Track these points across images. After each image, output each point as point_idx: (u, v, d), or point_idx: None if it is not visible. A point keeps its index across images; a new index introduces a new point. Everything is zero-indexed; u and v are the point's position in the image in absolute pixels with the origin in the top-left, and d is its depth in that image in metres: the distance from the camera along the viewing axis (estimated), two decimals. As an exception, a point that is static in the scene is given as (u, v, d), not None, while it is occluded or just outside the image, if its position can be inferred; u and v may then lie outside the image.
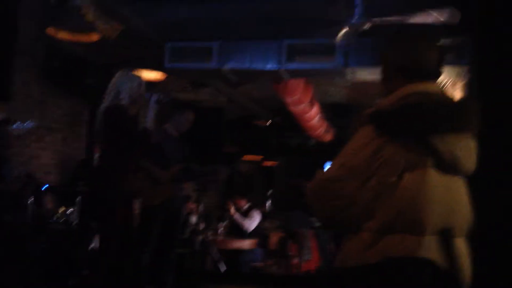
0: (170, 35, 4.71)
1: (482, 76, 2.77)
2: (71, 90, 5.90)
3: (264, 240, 6.66)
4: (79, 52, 5.30)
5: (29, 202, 4.54)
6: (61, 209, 4.99)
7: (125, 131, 3.49)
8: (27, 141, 5.41)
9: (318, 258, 7.26)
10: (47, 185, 5.27)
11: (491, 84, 2.75)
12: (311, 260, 6.97)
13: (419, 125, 1.51)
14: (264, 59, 4.57)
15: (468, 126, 1.58)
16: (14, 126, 4.35)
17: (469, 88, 2.99)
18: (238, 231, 6.45)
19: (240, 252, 6.15)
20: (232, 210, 6.58)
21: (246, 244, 6.09)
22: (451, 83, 4.87)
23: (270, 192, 9.36)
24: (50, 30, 3.91)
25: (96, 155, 3.83)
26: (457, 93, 4.78)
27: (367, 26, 3.51)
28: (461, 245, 1.58)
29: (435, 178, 1.52)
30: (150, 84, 5.51)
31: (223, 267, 4.99)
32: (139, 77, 3.67)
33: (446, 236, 1.53)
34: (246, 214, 6.65)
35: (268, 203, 9.03)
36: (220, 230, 6.38)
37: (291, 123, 7.96)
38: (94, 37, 3.98)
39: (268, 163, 11.26)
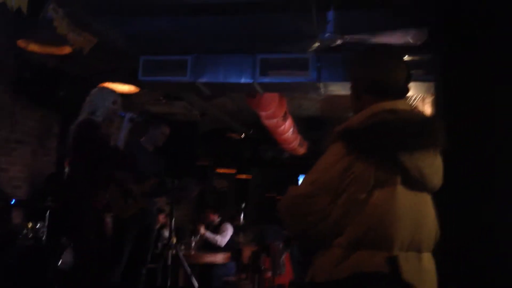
0: (144, 48, 4.70)
1: (447, 93, 2.84)
2: (42, 103, 5.81)
3: (237, 254, 6.64)
4: (51, 64, 5.23)
5: (-4, 217, 4.43)
6: (30, 224, 4.88)
7: (97, 147, 3.46)
8: (-4, 154, 5.29)
9: (291, 272, 7.26)
10: (15, 200, 5.16)
11: (456, 101, 2.82)
12: (284, 274, 6.97)
13: (388, 142, 1.53)
14: (238, 73, 4.59)
15: (434, 143, 1.61)
16: None
17: (436, 104, 3.06)
18: (211, 246, 6.42)
19: (213, 266, 6.11)
20: (202, 230, 6.55)
21: (219, 258, 6.06)
22: (420, 99, 4.98)
23: (243, 205, 9.34)
24: (21, 42, 3.85)
25: (67, 169, 3.78)
26: (426, 109, 4.89)
27: (338, 42, 3.57)
28: (428, 260, 1.61)
29: (403, 194, 1.55)
30: (123, 96, 5.48)
31: (195, 282, 4.94)
32: (114, 94, 3.68)
33: (413, 252, 1.55)
34: (217, 228, 6.63)
35: (242, 217, 9.00)
36: (193, 244, 6.33)
37: (265, 136, 8.00)
38: (66, 49, 3.93)
39: (242, 176, 11.25)
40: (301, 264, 7.24)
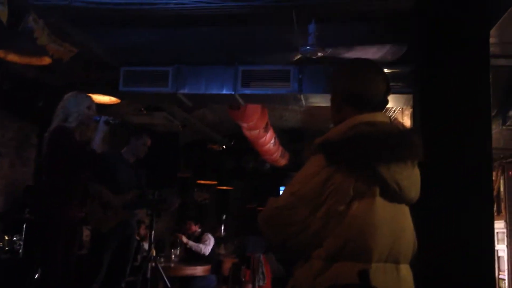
0: (125, 59, 4.68)
1: (425, 105, 2.89)
2: (20, 113, 5.73)
3: (217, 266, 6.59)
4: (31, 75, 5.17)
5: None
6: (6, 237, 4.79)
7: (71, 154, 3.38)
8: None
9: (271, 283, 7.24)
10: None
11: (434, 113, 2.87)
12: (264, 286, 6.94)
13: (366, 154, 1.55)
14: (220, 84, 4.60)
15: (412, 155, 1.63)
16: None
17: (414, 117, 3.11)
18: (194, 257, 6.36)
19: (193, 278, 6.06)
20: (184, 239, 6.50)
21: (199, 270, 6.00)
22: (400, 111, 5.05)
23: (224, 217, 9.31)
24: (0, 53, 3.81)
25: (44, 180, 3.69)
26: (405, 121, 4.96)
27: (319, 54, 3.60)
28: (406, 271, 1.62)
29: (382, 206, 1.56)
30: (104, 107, 5.44)
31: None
32: (88, 99, 3.58)
33: (392, 263, 1.57)
34: (198, 239, 6.59)
35: (222, 228, 8.97)
36: (173, 256, 6.27)
37: (246, 148, 8.00)
38: (46, 60, 3.90)
39: (223, 188, 11.22)
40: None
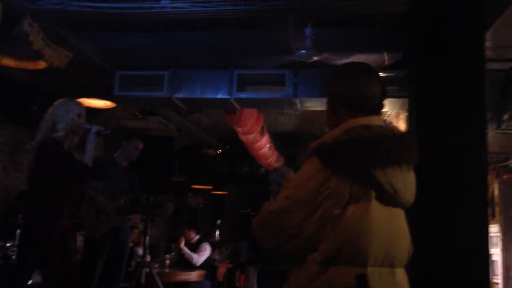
0: (121, 63, 4.67)
1: (420, 109, 2.90)
2: (13, 118, 5.70)
3: (212, 272, 6.56)
4: (25, 79, 5.15)
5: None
6: (0, 243, 4.75)
7: (60, 166, 3.29)
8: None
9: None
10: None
11: (429, 117, 2.88)
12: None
13: (362, 158, 1.54)
14: (215, 88, 4.60)
15: (407, 159, 1.63)
16: None
17: (410, 120, 3.11)
18: (187, 263, 6.33)
19: (187, 284, 6.03)
20: (182, 244, 6.46)
21: (193, 276, 5.98)
22: (395, 115, 5.06)
23: (219, 222, 9.29)
24: (-6, 57, 3.79)
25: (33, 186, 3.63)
26: (400, 125, 4.96)
27: (315, 58, 3.61)
28: (402, 276, 1.62)
29: (377, 210, 1.56)
30: (99, 111, 5.43)
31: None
32: (78, 107, 3.47)
33: (387, 267, 1.56)
34: (196, 247, 6.53)
35: (217, 233, 8.94)
36: (167, 262, 6.23)
37: (241, 152, 8.00)
38: (41, 64, 3.87)
39: (218, 192, 11.21)
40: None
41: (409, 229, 1.67)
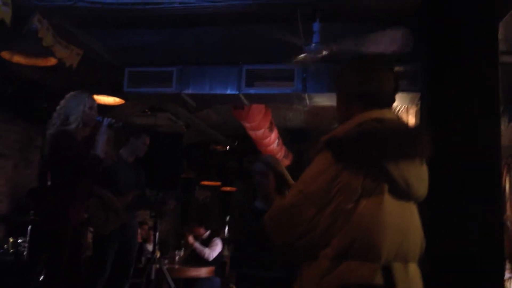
0: (130, 60, 4.68)
1: (432, 103, 2.87)
2: (24, 115, 5.74)
3: (221, 268, 6.56)
4: (35, 77, 5.17)
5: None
6: (11, 239, 4.79)
7: (72, 159, 3.34)
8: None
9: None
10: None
11: (441, 111, 2.85)
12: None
13: (374, 151, 1.53)
14: (224, 84, 4.59)
15: (420, 153, 1.61)
16: None
17: (421, 114, 3.09)
18: (198, 259, 6.33)
19: (197, 280, 6.03)
20: (191, 239, 6.46)
21: (203, 272, 5.98)
22: (405, 110, 5.03)
23: (228, 218, 9.29)
24: (5, 54, 3.80)
25: (49, 183, 3.69)
26: (410, 120, 4.93)
27: (324, 52, 3.58)
28: (414, 270, 1.60)
29: (390, 204, 1.54)
30: (108, 108, 5.44)
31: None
32: (89, 99, 3.53)
33: (400, 262, 1.54)
34: (207, 242, 6.53)
35: (226, 230, 8.94)
36: (177, 258, 6.25)
37: (250, 148, 7.98)
38: (52, 61, 3.88)
39: (227, 189, 11.21)
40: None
41: (422, 224, 1.66)
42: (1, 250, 4.73)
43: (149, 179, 4.83)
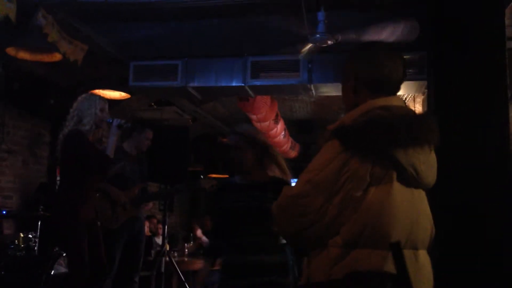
0: (135, 54, 4.68)
1: (439, 91, 2.85)
2: (32, 111, 5.77)
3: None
4: (41, 72, 5.19)
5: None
6: (22, 235, 4.82)
7: (85, 157, 3.43)
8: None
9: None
10: (6, 210, 5.10)
11: (448, 98, 2.83)
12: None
13: (382, 139, 1.52)
14: (229, 76, 4.59)
15: (428, 140, 1.60)
16: None
17: (428, 102, 3.07)
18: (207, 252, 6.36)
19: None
20: (199, 232, 6.48)
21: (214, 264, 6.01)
22: (412, 98, 5.00)
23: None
24: (11, 50, 3.81)
25: (58, 179, 3.75)
26: (417, 108, 4.91)
27: (330, 42, 3.56)
28: (424, 258, 1.60)
29: (399, 191, 1.54)
30: (114, 102, 5.45)
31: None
32: (101, 101, 3.64)
33: (410, 249, 1.54)
34: None
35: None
36: (186, 250, 6.28)
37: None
38: (57, 56, 3.90)
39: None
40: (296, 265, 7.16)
41: (432, 211, 1.65)
42: (12, 246, 4.76)
43: (156, 173, 4.84)
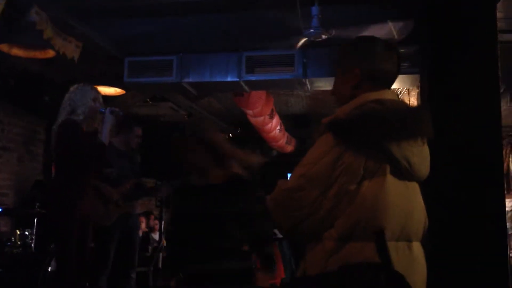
0: (130, 50, 4.67)
1: (433, 84, 2.87)
2: (26, 108, 5.75)
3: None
4: (35, 69, 5.17)
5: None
6: (18, 232, 4.82)
7: (80, 147, 3.37)
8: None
9: (283, 270, 7.24)
10: (3, 208, 5.10)
11: (441, 92, 2.85)
12: (276, 273, 6.95)
13: (375, 132, 1.53)
14: (224, 71, 4.58)
15: (422, 133, 1.62)
16: None
17: (422, 96, 3.08)
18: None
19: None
20: None
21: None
22: (406, 92, 5.02)
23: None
24: (4, 47, 3.80)
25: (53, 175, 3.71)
26: (412, 102, 4.92)
27: (324, 36, 3.57)
28: (418, 249, 1.61)
29: (393, 184, 1.55)
30: (109, 99, 5.45)
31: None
32: (94, 91, 3.57)
33: (404, 241, 1.56)
34: None
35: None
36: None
37: (252, 135, 7.99)
38: (50, 53, 3.88)
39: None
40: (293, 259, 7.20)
41: (425, 204, 1.67)
42: (9, 243, 4.77)
43: (151, 169, 4.83)
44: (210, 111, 7.63)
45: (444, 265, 2.65)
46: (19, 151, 5.83)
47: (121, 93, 5.45)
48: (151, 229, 6.83)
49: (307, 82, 4.53)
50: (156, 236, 6.42)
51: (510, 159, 6.88)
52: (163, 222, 5.20)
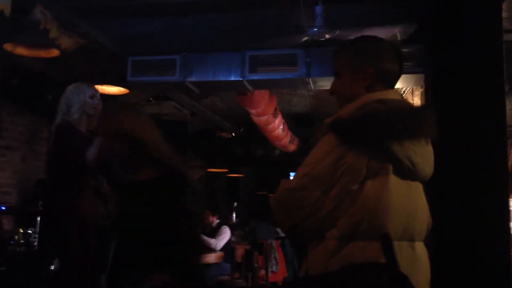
0: (133, 49, 4.68)
1: (437, 84, 2.86)
2: (30, 107, 5.76)
3: (230, 253, 6.61)
4: (38, 68, 5.18)
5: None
6: (21, 230, 4.84)
7: (75, 149, 3.29)
8: (-16, 160, 5.24)
9: (285, 269, 7.25)
10: (6, 206, 5.11)
11: (446, 91, 2.84)
12: (278, 272, 6.96)
13: (378, 132, 1.53)
14: (227, 70, 4.59)
15: (425, 133, 1.61)
16: None
17: (426, 96, 3.07)
18: (206, 247, 6.37)
19: (206, 266, 6.08)
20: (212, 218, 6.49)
21: (212, 258, 6.03)
22: (410, 91, 5.00)
23: (235, 204, 9.33)
24: (8, 46, 3.80)
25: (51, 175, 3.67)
26: (416, 102, 4.91)
27: (327, 36, 3.56)
28: (421, 249, 1.61)
29: (395, 184, 1.55)
30: (112, 98, 5.46)
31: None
32: (90, 88, 3.49)
33: (407, 241, 1.55)
34: (216, 230, 6.55)
35: (234, 216, 8.99)
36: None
37: (255, 135, 7.99)
38: (54, 52, 3.88)
39: (233, 175, 11.25)
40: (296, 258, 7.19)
41: (429, 204, 1.66)
42: (12, 242, 4.78)
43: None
44: (214, 110, 7.64)
45: (447, 265, 2.64)
46: (22, 149, 5.84)
47: (124, 92, 5.45)
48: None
49: (310, 82, 4.53)
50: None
51: (514, 159, 6.85)
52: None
